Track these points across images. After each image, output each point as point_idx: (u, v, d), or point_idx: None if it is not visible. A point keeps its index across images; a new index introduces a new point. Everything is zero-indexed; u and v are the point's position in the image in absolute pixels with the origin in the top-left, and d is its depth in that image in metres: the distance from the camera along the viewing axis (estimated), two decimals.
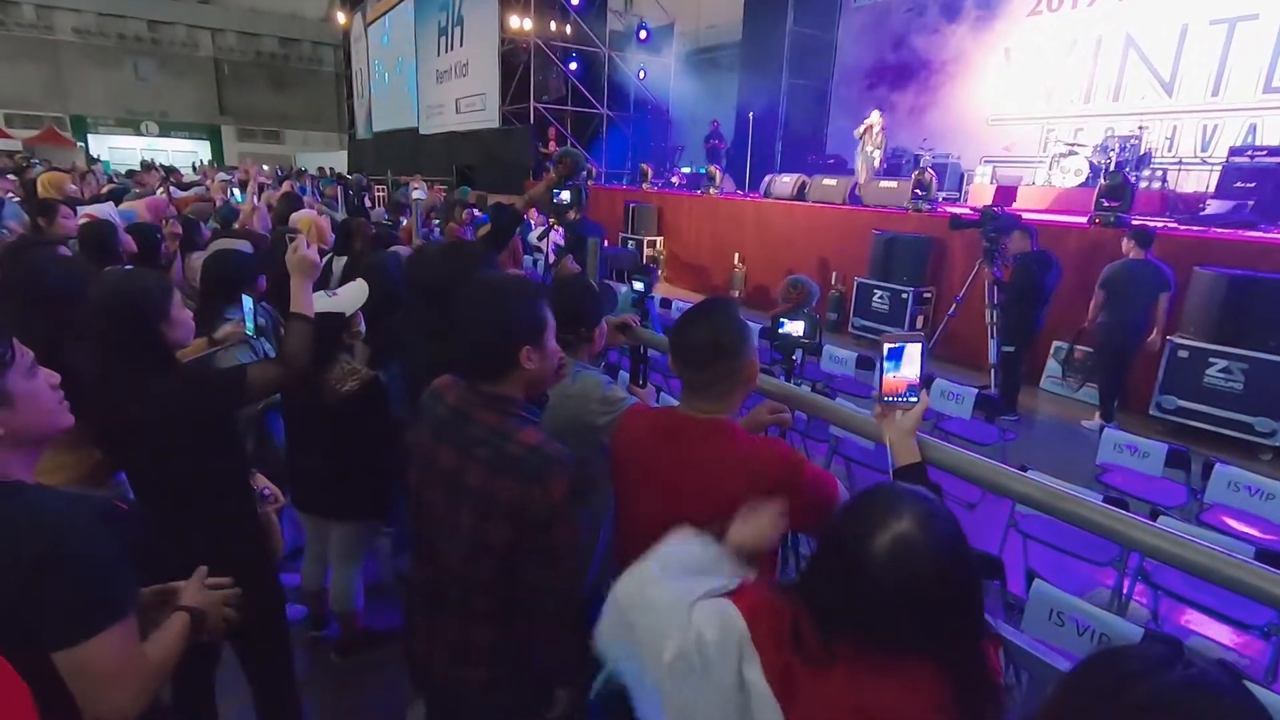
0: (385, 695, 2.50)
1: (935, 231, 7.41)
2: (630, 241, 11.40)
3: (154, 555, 1.71)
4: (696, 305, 1.50)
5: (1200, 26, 8.85)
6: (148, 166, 7.66)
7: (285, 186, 4.92)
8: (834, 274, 8.52)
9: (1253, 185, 6.73)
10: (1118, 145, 8.60)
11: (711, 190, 10.79)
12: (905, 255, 7.59)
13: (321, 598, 2.68)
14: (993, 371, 5.73)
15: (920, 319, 7.52)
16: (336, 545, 2.50)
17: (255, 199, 4.46)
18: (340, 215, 6.64)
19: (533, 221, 8.76)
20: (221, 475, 1.82)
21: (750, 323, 1.50)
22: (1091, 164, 8.66)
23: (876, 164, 9.67)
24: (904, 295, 7.50)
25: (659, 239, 11.55)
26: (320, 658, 2.70)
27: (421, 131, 20.12)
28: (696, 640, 0.94)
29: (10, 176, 6.78)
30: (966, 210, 6.99)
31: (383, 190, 12.28)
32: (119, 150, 23.44)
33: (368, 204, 10.81)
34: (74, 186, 6.02)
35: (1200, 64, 8.86)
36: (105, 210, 4.68)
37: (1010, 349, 5.55)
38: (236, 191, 6.22)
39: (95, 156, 19.06)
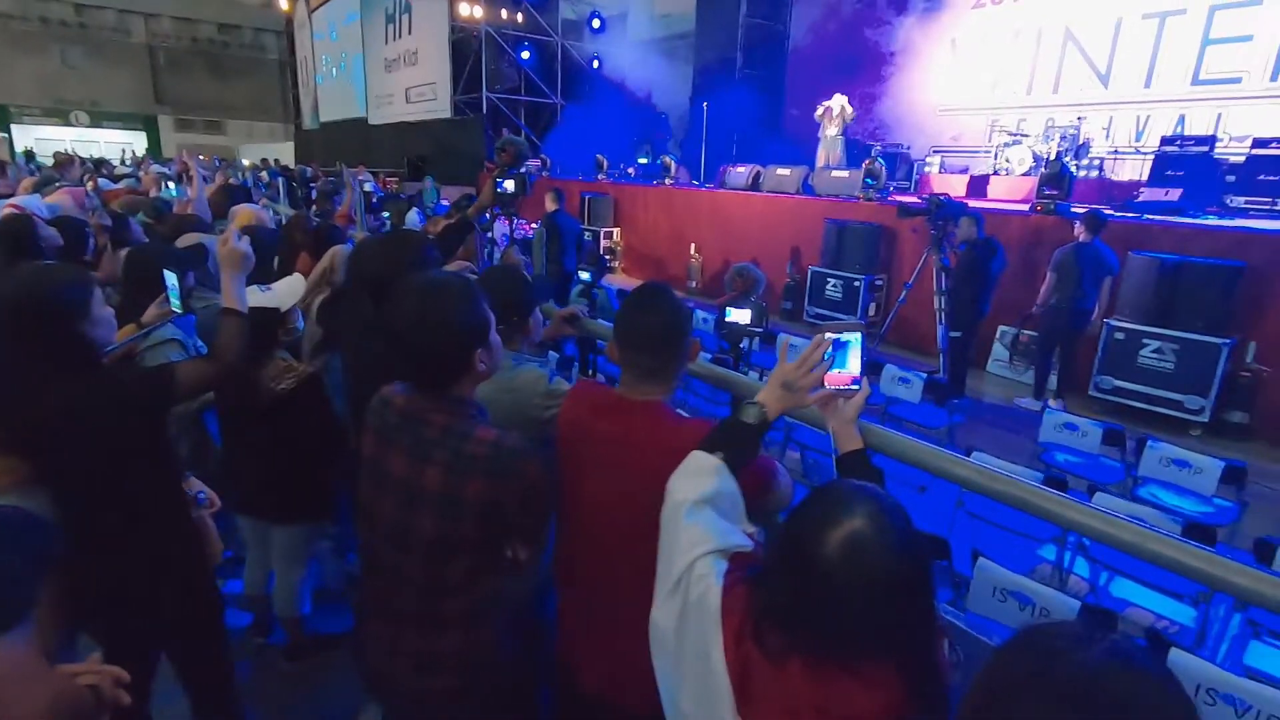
0: (336, 700, 2.44)
1: (886, 220, 7.54)
2: (587, 233, 11.32)
3: (73, 565, 1.64)
4: (638, 292, 1.49)
5: (1134, 20, 9.19)
6: (64, 158, 7.12)
7: (219, 179, 4.70)
8: (789, 263, 8.61)
9: (1182, 174, 7.03)
10: (1058, 135, 8.88)
11: (667, 181, 10.78)
12: (857, 244, 7.72)
13: (266, 603, 2.60)
14: (941, 356, 5.88)
15: (872, 306, 7.67)
16: (279, 549, 2.41)
17: (190, 190, 4.27)
18: (285, 209, 6.42)
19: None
20: (152, 479, 1.74)
21: (706, 315, 1.51)
22: (1034, 153, 8.93)
23: (840, 149, 9.78)
24: (856, 283, 7.63)
25: (615, 230, 11.51)
26: (267, 665, 2.62)
27: (371, 122, 19.62)
28: (684, 591, 0.98)
29: None
30: (914, 199, 7.13)
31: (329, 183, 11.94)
32: (47, 141, 22.25)
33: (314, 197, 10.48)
34: None
35: (1134, 57, 9.20)
36: (31, 203, 4.42)
37: (958, 334, 5.70)
38: (171, 185, 5.95)
39: (30, 150, 18.03)
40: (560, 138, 16.04)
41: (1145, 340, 5.35)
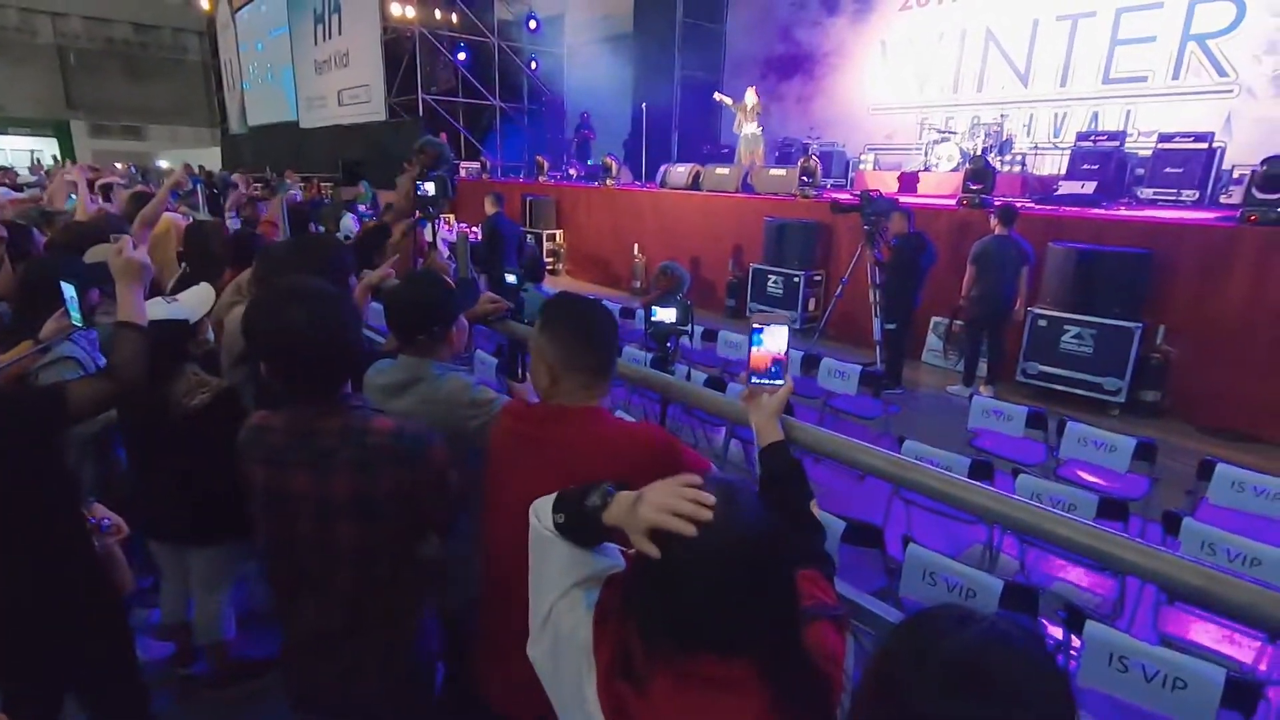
0: None
1: (822, 217, 7.70)
2: (529, 235, 11.22)
3: None
4: (558, 298, 1.47)
5: (1049, 22, 9.64)
6: None
7: (138, 187, 4.46)
8: (731, 260, 8.71)
9: (1096, 167, 7.41)
10: (983, 132, 9.25)
11: (609, 182, 10.78)
12: (795, 240, 7.86)
13: (187, 631, 2.47)
14: (877, 348, 6.04)
15: (811, 301, 7.82)
16: (198, 573, 2.29)
17: (86, 199, 4.04)
18: (205, 217, 6.14)
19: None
20: (47, 507, 1.63)
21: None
22: (961, 150, 9.28)
23: (761, 147, 9.93)
24: (796, 279, 7.78)
25: (558, 232, 11.44)
26: (193, 695, 2.49)
27: (302, 125, 18.99)
28: (554, 625, 0.94)
29: None
30: (846, 195, 7.31)
31: (259, 188, 11.47)
32: None
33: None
34: None
35: (1050, 57, 9.65)
36: None
37: (892, 326, 5.86)
38: (74, 195, 5.63)
39: None
40: (500, 140, 15.87)
41: (1066, 326, 5.61)
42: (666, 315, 1.81)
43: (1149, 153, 7.50)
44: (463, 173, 13.32)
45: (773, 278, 8.05)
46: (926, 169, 9.69)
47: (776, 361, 1.25)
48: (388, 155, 14.76)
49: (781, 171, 8.83)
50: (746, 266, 8.42)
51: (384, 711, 1.50)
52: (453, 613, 1.81)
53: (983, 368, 5.92)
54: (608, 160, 11.10)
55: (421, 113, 14.70)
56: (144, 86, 25.17)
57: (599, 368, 1.40)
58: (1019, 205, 6.10)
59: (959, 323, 5.95)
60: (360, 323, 1.44)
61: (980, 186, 6.71)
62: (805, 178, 8.06)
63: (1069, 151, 8.12)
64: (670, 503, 0.81)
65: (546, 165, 12.32)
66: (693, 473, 0.91)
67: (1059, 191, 7.32)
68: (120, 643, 1.81)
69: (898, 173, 9.99)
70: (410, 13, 14.36)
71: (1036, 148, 9.72)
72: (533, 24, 15.31)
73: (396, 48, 14.90)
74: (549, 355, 1.41)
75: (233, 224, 4.60)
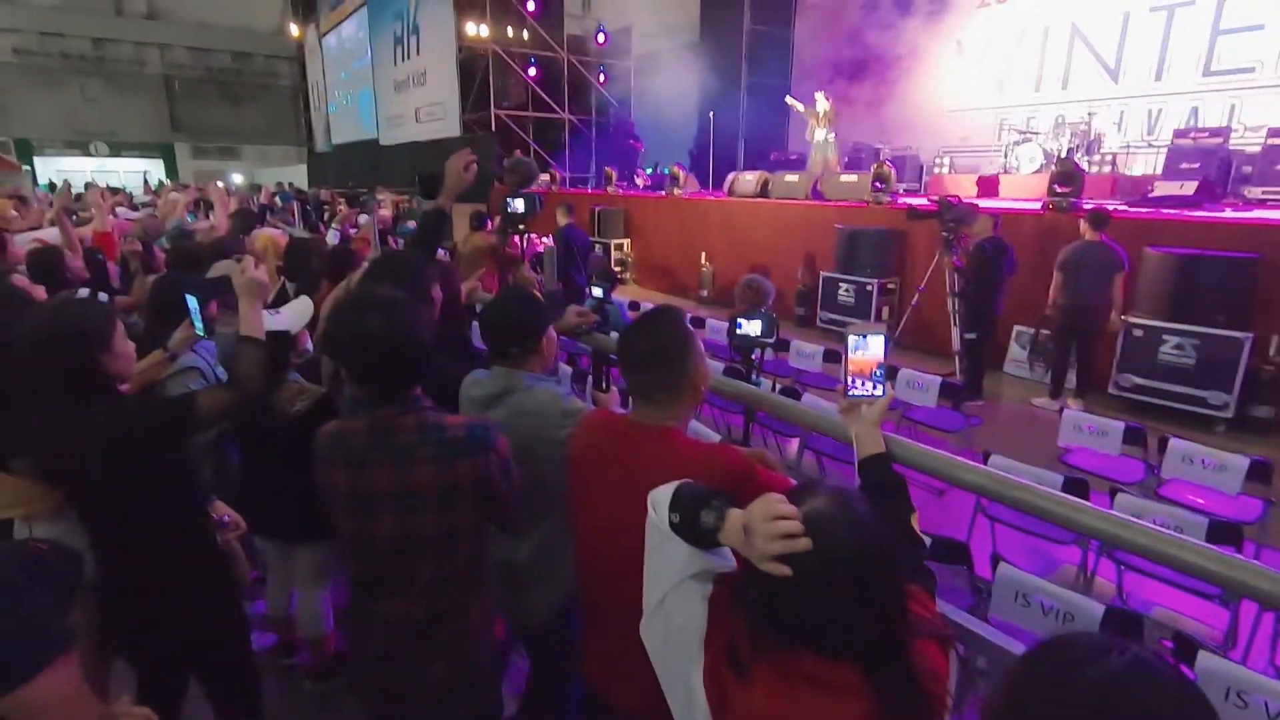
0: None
1: (896, 223, 7.52)
2: (598, 245, 11.39)
3: (106, 590, 1.68)
4: (643, 313, 1.52)
5: (1141, 14, 9.12)
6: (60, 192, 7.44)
7: (234, 203, 4.79)
8: (800, 269, 8.60)
9: (1196, 166, 6.95)
10: (1068, 132, 8.82)
11: (676, 191, 10.83)
12: (868, 248, 7.70)
13: (290, 624, 2.63)
14: (957, 358, 5.84)
15: (885, 309, 7.63)
16: (301, 569, 2.44)
17: (210, 217, 4.37)
18: (300, 232, 6.52)
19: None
20: (177, 505, 1.78)
21: (720, 322, 1.54)
22: (1045, 150, 8.88)
23: (834, 153, 9.75)
24: (868, 287, 7.60)
25: (626, 241, 11.56)
26: (293, 686, 2.64)
27: (382, 142, 19.86)
28: (667, 615, 0.99)
29: None
30: (923, 201, 7.11)
31: (342, 204, 12.10)
32: (68, 172, 22.72)
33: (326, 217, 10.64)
34: (15, 213, 5.83)
35: (1143, 50, 9.13)
36: (54, 235, 4.55)
37: (973, 335, 5.66)
38: (188, 214, 6.10)
39: (58, 183, 18.48)
40: (569, 151, 16.17)
41: (1165, 336, 5.28)
42: (752, 328, 1.83)
43: (1257, 149, 6.98)
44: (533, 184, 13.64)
45: (844, 286, 7.90)
46: (1006, 171, 9.32)
47: (875, 371, 1.25)
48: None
49: (853, 178, 8.67)
50: (817, 275, 8.30)
51: (455, 697, 1.58)
52: (546, 607, 1.88)
53: (1071, 379, 5.63)
54: (675, 169, 11.16)
55: (494, 127, 15.15)
56: (239, 110, 26.92)
57: (677, 386, 1.43)
58: (1110, 208, 5.79)
59: (1046, 332, 5.69)
60: (430, 328, 1.52)
61: (1068, 189, 6.40)
62: (878, 184, 7.88)
63: (1165, 150, 7.65)
64: (771, 546, 0.83)
65: (615, 176, 12.49)
66: (803, 485, 0.93)
67: (1154, 193, 6.91)
68: (238, 632, 1.95)
69: (975, 176, 9.64)
70: (484, 32, 14.84)
71: (1129, 147, 9.19)
72: (601, 37, 15.56)
73: (471, 66, 15.42)
74: (626, 373, 1.46)
75: (331, 239, 4.87)
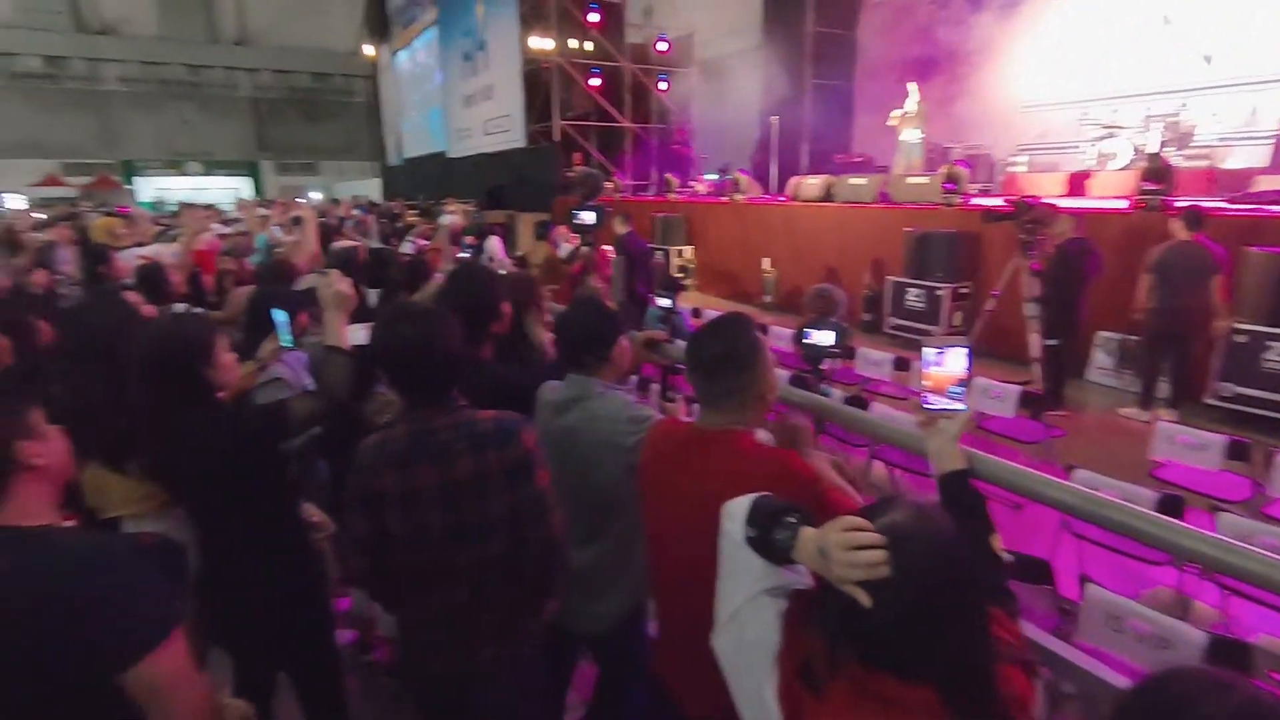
0: None
1: (969, 225, 7.25)
2: (658, 253, 11.43)
3: (205, 585, 1.80)
4: (711, 320, 1.53)
5: None
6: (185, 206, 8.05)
7: (309, 214, 5.04)
8: (867, 274, 8.40)
9: None
10: (1158, 125, 8.31)
11: (738, 196, 10.76)
12: (939, 251, 7.46)
13: (370, 622, 2.74)
14: (1036, 366, 5.58)
15: (958, 315, 7.37)
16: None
17: (294, 233, 4.62)
18: (375, 243, 6.81)
19: (562, 240, 8.85)
20: (272, 506, 1.89)
21: (783, 329, 1.53)
22: (1132, 146, 8.40)
23: (919, 154, 9.45)
24: (939, 292, 7.36)
25: (687, 248, 11.56)
26: (371, 682, 2.75)
27: (450, 155, 20.52)
28: (741, 625, 0.99)
29: (64, 224, 7.15)
30: (999, 202, 6.83)
31: (413, 216, 12.55)
32: (165, 191, 24.49)
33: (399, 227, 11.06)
34: (123, 230, 6.32)
35: (1242, 34, 8.51)
36: (158, 251, 4.92)
37: (1054, 342, 5.40)
38: (276, 229, 6.46)
39: (156, 202, 19.94)
40: (630, 159, 16.31)
41: (1270, 342, 4.90)
42: (822, 338, 1.81)
43: None
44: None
45: (913, 291, 7.67)
46: (1089, 169, 8.86)
47: (957, 386, 1.21)
48: (526, 180, 15.65)
49: (923, 179, 8.42)
50: (884, 280, 8.09)
51: (500, 684, 1.66)
52: (613, 614, 1.91)
53: (1163, 389, 5.29)
54: (737, 174, 11.09)
55: (557, 138, 15.43)
56: (318, 128, 28.38)
57: (745, 392, 1.42)
58: (1206, 206, 5.42)
59: (1135, 338, 5.37)
60: (460, 336, 1.63)
61: (1158, 186, 6.04)
62: (949, 185, 7.63)
63: (1271, 142, 7.11)
64: (850, 558, 0.82)
65: (676, 182, 12.52)
66: (882, 500, 0.91)
67: (1256, 189, 6.43)
68: (326, 627, 2.05)
69: (1054, 174, 9.20)
70: (549, 45, 15.16)
71: (1226, 140, 8.59)
72: (663, 45, 15.65)
73: (535, 79, 15.77)
74: (693, 379, 1.46)
75: (406, 250, 5.07)
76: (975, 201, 7.94)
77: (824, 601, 0.88)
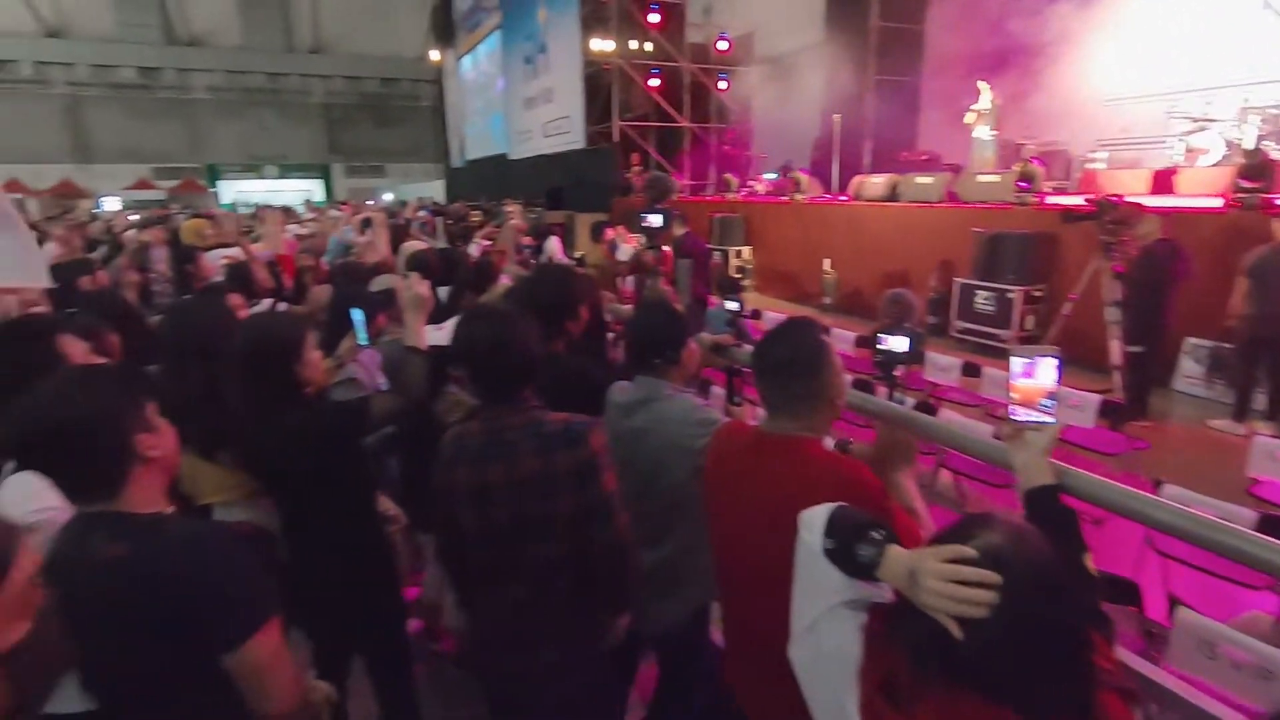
0: None
1: (1044, 226, 6.96)
2: (716, 254, 11.36)
3: (288, 571, 1.89)
4: (778, 324, 1.51)
5: None
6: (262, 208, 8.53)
7: (380, 217, 5.23)
8: (933, 275, 8.15)
9: None
10: (1257, 118, 7.77)
11: (798, 196, 10.60)
12: (1011, 252, 7.18)
13: (437, 611, 2.82)
14: (1117, 374, 5.30)
15: (1030, 319, 7.07)
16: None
17: (366, 234, 4.81)
18: (441, 244, 7.00)
19: (620, 242, 8.91)
20: (351, 497, 1.97)
21: (844, 331, 1.51)
22: (1226, 140, 7.88)
23: (993, 151, 9.12)
24: (1011, 295, 7.08)
25: (745, 249, 11.46)
26: (438, 671, 2.83)
27: (511, 157, 20.91)
28: (818, 636, 0.98)
29: (158, 225, 7.62)
30: (1076, 200, 6.52)
31: (478, 216, 12.85)
32: (244, 193, 25.78)
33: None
34: (211, 231, 6.69)
35: None
36: (238, 252, 5.19)
37: (1138, 349, 5.12)
38: (348, 230, 6.74)
39: (235, 204, 21.12)
40: (689, 159, 16.27)
41: None
42: (896, 344, 1.77)
43: None
44: None
45: (982, 293, 7.40)
46: (1176, 165, 8.35)
47: (1046, 399, 1.17)
48: (585, 181, 15.80)
49: (994, 177, 8.13)
50: (951, 282, 7.83)
51: (566, 683, 1.68)
52: (676, 616, 1.92)
53: (1259, 400, 4.95)
54: (797, 173, 10.93)
55: (616, 139, 15.53)
56: (386, 131, 29.39)
57: (811, 398, 1.41)
58: None
59: (1229, 346, 5.05)
60: (537, 339, 1.66)
61: (1257, 184, 5.65)
62: (1023, 183, 7.33)
63: None
64: (949, 590, 0.79)
65: (735, 182, 12.42)
66: (974, 517, 0.89)
67: None
68: (398, 615, 2.14)
69: (1137, 171, 8.70)
70: (609, 46, 15.26)
71: None
72: (724, 44, 15.55)
73: (595, 81, 15.90)
74: (759, 383, 1.45)
75: (473, 251, 5.20)
76: (1050, 200, 7.61)
77: (908, 620, 0.87)
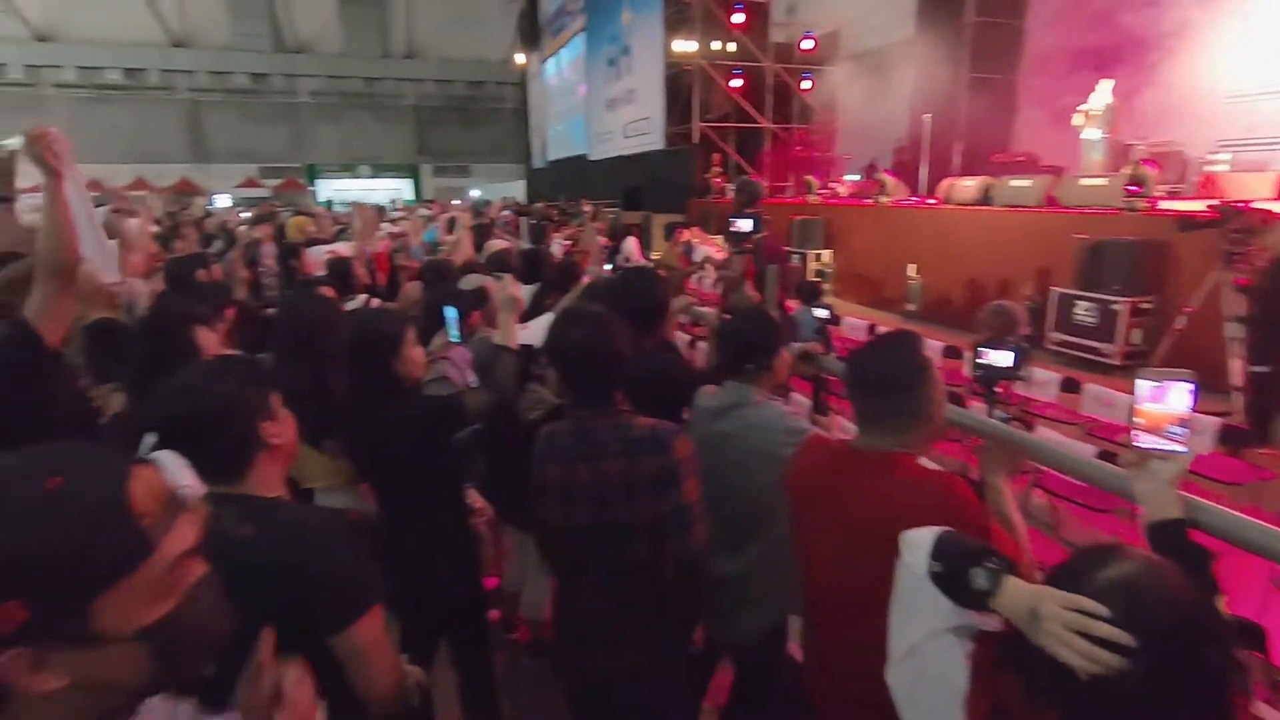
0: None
1: (1155, 233, 6.48)
2: (795, 257, 11.16)
3: (384, 558, 1.98)
4: (878, 336, 1.48)
5: None
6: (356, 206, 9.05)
7: (465, 218, 5.41)
8: (1028, 284, 7.73)
9: None
10: None
11: (883, 199, 10.28)
12: (1117, 261, 6.72)
13: (515, 601, 2.90)
14: (1238, 396, 4.89)
15: (1136, 332, 6.60)
16: (532, 554, 2.68)
17: (451, 233, 4.99)
18: (525, 244, 7.18)
19: (694, 242, 8.92)
20: (442, 489, 2.06)
21: (931, 340, 1.46)
22: None
23: (1103, 154, 8.59)
24: (1115, 306, 6.62)
25: (825, 252, 11.20)
26: (513, 660, 2.91)
27: (590, 158, 21.21)
28: (920, 662, 0.94)
29: (267, 222, 8.14)
30: (1200, 207, 6.04)
31: (555, 214, 13.12)
32: (340, 192, 27.21)
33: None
34: (313, 228, 7.10)
35: None
36: (345, 249, 5.50)
37: (1263, 369, 4.70)
38: (433, 226, 7.01)
39: (330, 202, 22.41)
40: (769, 160, 16.06)
41: None
42: (1000, 359, 1.69)
43: None
44: (729, 193, 13.78)
45: (1082, 304, 6.96)
46: None
47: (1177, 425, 1.09)
48: (663, 181, 15.85)
49: (1100, 181, 7.63)
50: (1047, 291, 7.41)
51: (646, 687, 1.70)
52: (756, 627, 1.90)
53: None
54: (883, 175, 10.60)
55: (695, 140, 15.50)
56: (471, 132, 30.39)
57: (910, 414, 1.36)
58: None
59: None
60: (629, 342, 1.68)
61: None
62: (1133, 187, 6.85)
63: None
64: (1076, 643, 0.75)
65: (817, 184, 12.18)
66: (1100, 547, 0.84)
67: None
68: (481, 602, 2.21)
69: (1263, 174, 7.99)
70: (692, 47, 15.25)
71: None
72: (809, 43, 15.26)
73: (676, 81, 15.92)
74: (854, 397, 1.42)
75: (555, 250, 5.32)
76: (1163, 206, 7.08)
77: (1026, 652, 0.83)
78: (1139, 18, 10.71)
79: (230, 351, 2.15)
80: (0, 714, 0.61)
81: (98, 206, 3.66)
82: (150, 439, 1.22)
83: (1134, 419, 1.12)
